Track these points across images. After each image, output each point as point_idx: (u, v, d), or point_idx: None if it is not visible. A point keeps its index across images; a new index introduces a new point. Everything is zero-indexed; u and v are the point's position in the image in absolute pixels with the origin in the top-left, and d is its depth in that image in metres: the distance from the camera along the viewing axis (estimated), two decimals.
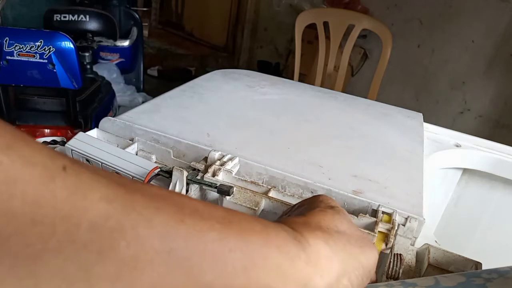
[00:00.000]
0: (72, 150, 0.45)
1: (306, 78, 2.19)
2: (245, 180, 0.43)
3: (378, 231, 0.37)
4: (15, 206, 0.14)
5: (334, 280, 0.24)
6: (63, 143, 0.48)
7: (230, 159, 0.45)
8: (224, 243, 0.19)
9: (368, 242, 0.28)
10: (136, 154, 0.49)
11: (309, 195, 0.44)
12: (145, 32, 2.93)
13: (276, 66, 3.02)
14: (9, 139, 0.15)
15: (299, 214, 0.28)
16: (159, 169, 0.42)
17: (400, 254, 0.35)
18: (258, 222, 0.22)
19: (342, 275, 0.24)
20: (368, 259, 0.27)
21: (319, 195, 0.31)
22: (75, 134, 0.47)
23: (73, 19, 1.52)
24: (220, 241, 0.19)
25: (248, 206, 0.39)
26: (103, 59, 2.14)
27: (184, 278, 0.18)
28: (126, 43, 2.12)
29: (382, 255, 0.36)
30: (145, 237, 0.17)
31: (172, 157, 0.48)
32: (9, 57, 1.17)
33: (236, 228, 0.20)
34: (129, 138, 0.51)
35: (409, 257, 0.39)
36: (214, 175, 0.42)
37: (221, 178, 0.42)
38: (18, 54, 1.17)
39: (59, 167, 0.16)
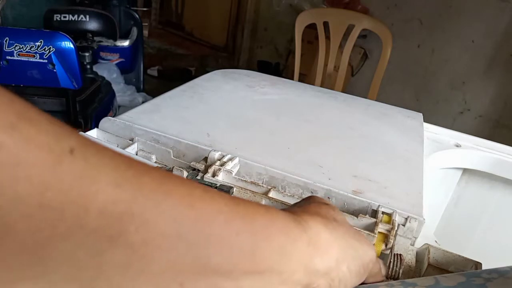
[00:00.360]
0: None
1: (306, 78, 2.19)
2: (245, 180, 0.43)
3: (378, 232, 0.37)
4: (20, 189, 0.13)
5: (333, 263, 0.24)
6: None
7: (230, 159, 0.45)
8: (231, 226, 0.19)
9: (364, 238, 0.29)
10: (136, 154, 0.49)
11: (309, 195, 0.44)
12: (145, 32, 2.93)
13: (276, 66, 3.02)
14: (13, 117, 0.14)
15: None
16: None
17: (400, 254, 0.34)
18: (261, 206, 0.22)
19: (341, 261, 0.24)
20: (365, 252, 0.27)
21: (312, 196, 0.32)
22: None
23: (73, 19, 1.52)
24: (228, 225, 0.19)
25: None
26: (103, 59, 2.14)
27: (193, 263, 0.18)
28: (126, 43, 2.12)
29: (382, 256, 0.36)
30: (154, 222, 0.17)
31: (172, 157, 0.48)
32: (9, 57, 1.17)
33: (242, 210, 0.20)
34: (129, 138, 0.51)
35: (409, 257, 0.39)
36: (214, 175, 0.42)
37: (221, 178, 0.42)
38: (18, 54, 1.18)
39: (65, 150, 0.15)
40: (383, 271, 0.32)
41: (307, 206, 0.28)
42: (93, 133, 0.51)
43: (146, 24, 3.33)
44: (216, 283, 0.19)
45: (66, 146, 0.15)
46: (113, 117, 0.53)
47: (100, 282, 0.16)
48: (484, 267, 0.34)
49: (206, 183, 0.40)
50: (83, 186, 0.15)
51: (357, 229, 0.31)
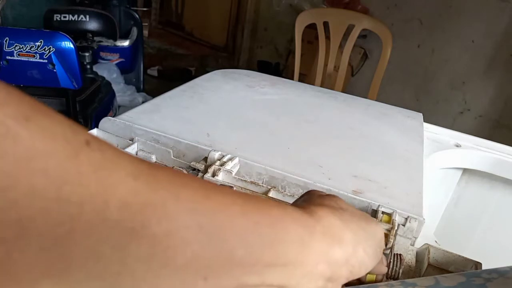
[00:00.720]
0: None
1: (306, 78, 2.19)
2: (245, 180, 0.43)
3: None
4: (38, 183, 0.13)
5: (351, 249, 0.24)
6: None
7: (230, 159, 0.45)
8: (249, 217, 0.19)
9: (371, 218, 0.28)
10: (136, 154, 0.49)
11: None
12: (145, 32, 2.93)
13: (276, 66, 3.02)
14: (27, 110, 0.13)
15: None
16: None
17: (400, 254, 0.34)
18: (270, 200, 0.22)
19: (357, 244, 0.24)
20: (375, 231, 0.27)
21: (310, 190, 0.31)
22: None
23: (73, 19, 1.52)
24: (245, 215, 0.19)
25: None
26: (103, 59, 2.14)
27: (217, 255, 0.17)
28: (126, 43, 2.12)
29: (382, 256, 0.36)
30: (175, 213, 0.16)
31: (172, 157, 0.48)
32: (9, 57, 1.17)
33: (255, 202, 0.20)
34: (129, 138, 0.51)
35: (409, 257, 0.39)
36: (214, 175, 0.42)
37: (221, 178, 0.42)
38: (18, 54, 1.18)
39: (82, 142, 0.15)
40: (385, 262, 0.31)
41: (309, 200, 0.28)
42: (93, 133, 0.51)
43: (146, 24, 3.33)
44: (240, 277, 0.18)
45: (82, 138, 0.15)
46: (113, 117, 0.53)
47: (125, 277, 0.15)
48: (484, 267, 0.34)
49: None
50: (101, 178, 0.15)
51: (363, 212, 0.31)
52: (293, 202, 0.31)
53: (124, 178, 0.15)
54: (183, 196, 0.17)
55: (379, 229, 0.28)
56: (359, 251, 0.24)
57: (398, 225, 0.38)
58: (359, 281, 0.30)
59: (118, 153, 0.16)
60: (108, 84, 1.73)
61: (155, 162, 0.48)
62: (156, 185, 0.16)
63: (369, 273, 0.28)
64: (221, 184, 0.41)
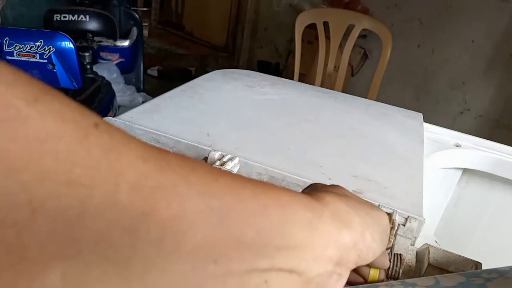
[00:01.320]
0: None
1: (306, 78, 2.19)
2: None
3: None
4: (48, 165, 0.13)
5: (359, 233, 0.23)
6: None
7: (230, 159, 0.45)
8: (259, 199, 0.19)
9: (375, 205, 0.28)
10: None
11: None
12: (145, 32, 2.93)
13: (276, 66, 3.02)
14: (37, 92, 0.13)
15: None
16: None
17: (400, 254, 0.34)
18: (275, 185, 0.22)
19: (364, 229, 0.24)
20: (381, 217, 0.27)
21: (313, 183, 0.31)
22: None
23: (73, 19, 1.52)
24: (255, 198, 0.19)
25: None
26: (103, 59, 2.14)
27: (227, 238, 0.17)
28: (126, 43, 2.12)
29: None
30: (185, 196, 0.16)
31: None
32: (9, 57, 1.17)
33: (264, 186, 0.20)
34: None
35: (409, 257, 0.39)
36: None
37: None
38: (18, 54, 1.18)
39: (91, 124, 0.15)
40: (387, 255, 0.31)
41: (315, 189, 0.27)
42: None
43: (146, 24, 3.33)
44: (251, 260, 0.18)
45: (91, 121, 0.15)
46: (113, 117, 0.53)
47: (135, 260, 0.15)
48: (484, 267, 0.35)
49: None
50: (111, 160, 0.14)
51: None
52: (310, 190, 0.31)
53: (134, 160, 0.15)
54: (193, 179, 0.17)
55: (384, 216, 0.28)
56: (367, 236, 0.24)
57: (398, 225, 0.38)
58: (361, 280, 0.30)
59: (127, 136, 0.16)
60: (108, 84, 1.73)
61: None
62: (167, 168, 0.16)
63: (372, 266, 0.28)
64: None
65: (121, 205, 0.14)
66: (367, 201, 0.28)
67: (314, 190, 0.27)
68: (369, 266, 0.29)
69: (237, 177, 0.19)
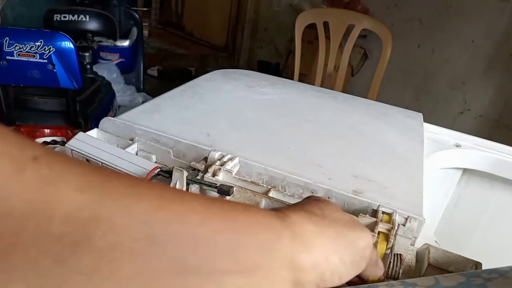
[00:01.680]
0: (72, 150, 0.45)
1: (306, 78, 2.19)
2: (245, 180, 0.43)
3: (379, 231, 0.37)
4: None
5: (322, 257, 0.23)
6: (63, 143, 0.48)
7: (230, 159, 0.45)
8: (208, 225, 0.19)
9: (358, 224, 0.28)
10: (136, 154, 0.49)
11: (309, 195, 0.44)
12: (145, 32, 2.93)
13: (276, 66, 3.02)
14: None
15: None
16: (159, 169, 0.42)
17: (400, 254, 0.34)
18: (239, 204, 0.22)
19: (331, 252, 0.24)
20: (358, 239, 0.26)
21: (310, 196, 0.31)
22: (75, 134, 0.47)
23: (73, 19, 1.52)
24: (203, 223, 0.19)
25: None
26: (103, 59, 2.14)
27: (169, 264, 0.17)
28: (126, 43, 2.12)
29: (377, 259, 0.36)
30: (122, 226, 0.16)
31: (172, 157, 0.48)
32: (9, 57, 1.17)
33: (218, 209, 0.20)
34: (129, 138, 0.51)
35: (409, 257, 0.39)
36: (214, 175, 0.42)
37: (221, 178, 0.42)
38: (18, 54, 1.17)
39: (28, 158, 0.15)
40: (380, 264, 0.31)
41: (302, 204, 0.28)
42: (93, 133, 0.51)
43: (146, 24, 3.33)
44: (195, 286, 0.18)
45: (29, 154, 0.15)
46: (113, 117, 0.53)
47: None
48: (484, 267, 0.34)
49: (207, 182, 0.40)
50: (46, 193, 0.15)
51: (349, 214, 0.30)
52: (292, 204, 0.31)
53: (70, 192, 0.16)
54: (135, 208, 0.17)
55: (365, 239, 0.27)
56: (333, 259, 0.24)
57: (398, 225, 0.38)
58: (360, 280, 0.30)
59: (69, 166, 0.16)
60: (108, 84, 1.73)
61: (155, 162, 0.48)
62: (106, 198, 0.16)
63: (362, 275, 0.28)
64: (220, 184, 0.41)
65: (53, 236, 0.15)
66: (348, 221, 0.27)
67: (301, 204, 0.27)
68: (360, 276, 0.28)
69: (189, 201, 0.19)
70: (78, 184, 0.16)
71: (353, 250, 0.25)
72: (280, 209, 0.25)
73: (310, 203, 0.28)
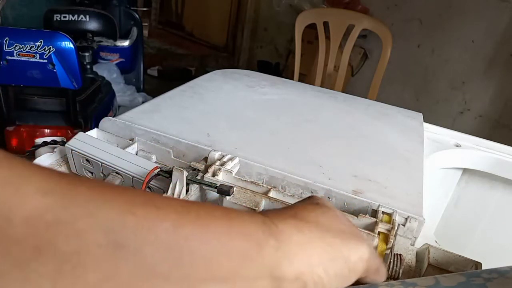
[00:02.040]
0: (72, 150, 0.45)
1: (306, 78, 2.19)
2: (245, 180, 0.43)
3: (378, 231, 0.37)
4: None
5: (306, 267, 0.23)
6: (63, 143, 0.48)
7: (230, 159, 0.45)
8: (179, 232, 0.18)
9: (356, 235, 0.27)
10: (136, 154, 0.49)
11: (309, 195, 0.44)
12: (145, 32, 2.93)
13: (276, 66, 3.02)
14: None
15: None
16: (159, 169, 0.42)
17: (400, 254, 0.34)
18: (219, 210, 0.21)
19: (316, 264, 0.23)
20: (351, 251, 0.25)
21: (311, 196, 0.30)
22: (75, 134, 0.47)
23: (73, 19, 1.52)
24: (175, 230, 0.18)
25: (248, 206, 0.39)
26: (103, 59, 2.14)
27: (136, 271, 0.17)
28: (126, 43, 2.12)
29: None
30: (87, 231, 0.16)
31: (172, 157, 0.48)
32: (9, 57, 1.17)
33: (194, 216, 0.20)
34: (129, 138, 0.51)
35: (409, 257, 0.39)
36: (214, 175, 0.42)
37: (221, 178, 0.42)
38: (18, 54, 1.17)
39: None
40: (382, 271, 0.30)
41: (290, 206, 0.27)
42: (93, 133, 0.51)
43: (146, 24, 3.33)
44: None
45: None
46: (113, 117, 0.53)
47: None
48: (484, 267, 0.34)
49: (207, 183, 0.40)
50: (7, 195, 0.15)
51: (349, 225, 0.29)
52: (288, 207, 0.30)
53: (32, 194, 0.15)
54: (101, 213, 0.17)
55: (358, 250, 0.26)
56: (317, 271, 0.23)
57: (398, 225, 0.38)
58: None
59: (32, 169, 0.16)
60: (108, 84, 1.73)
61: (155, 162, 0.48)
62: (69, 202, 0.16)
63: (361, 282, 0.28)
64: (221, 184, 0.41)
65: (13, 239, 0.15)
66: (346, 230, 0.26)
67: (299, 206, 0.27)
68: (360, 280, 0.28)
69: (164, 207, 0.19)
70: (40, 187, 0.16)
71: (342, 263, 0.24)
72: (271, 214, 0.24)
73: (306, 208, 0.27)
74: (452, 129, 0.73)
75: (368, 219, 0.38)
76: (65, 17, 1.51)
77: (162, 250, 0.18)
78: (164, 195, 0.40)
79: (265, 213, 0.25)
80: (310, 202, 0.29)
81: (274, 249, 0.22)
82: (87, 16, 1.54)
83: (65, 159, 0.48)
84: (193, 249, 0.19)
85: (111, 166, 0.43)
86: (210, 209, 0.21)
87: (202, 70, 3.04)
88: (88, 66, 1.62)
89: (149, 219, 0.18)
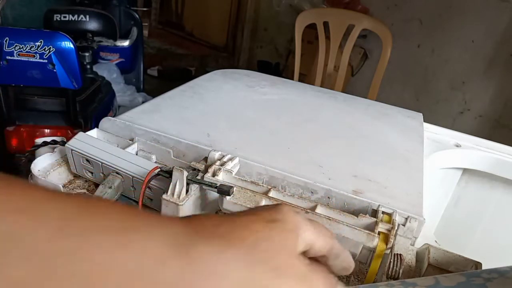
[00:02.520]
0: (72, 150, 0.45)
1: (306, 78, 2.19)
2: (245, 180, 0.43)
3: (379, 231, 0.37)
4: None
5: (216, 281, 0.20)
6: (63, 143, 0.48)
7: (230, 159, 0.45)
8: (55, 243, 0.17)
9: (301, 278, 0.22)
10: (136, 154, 0.49)
11: (309, 195, 0.44)
12: (145, 32, 2.93)
13: (276, 66, 3.02)
14: None
15: (230, 215, 0.24)
16: (159, 169, 0.42)
17: (400, 254, 0.34)
18: (121, 221, 0.20)
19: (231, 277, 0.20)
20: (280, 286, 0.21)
21: (276, 205, 0.25)
22: (75, 134, 0.47)
23: (73, 19, 1.52)
24: (49, 241, 0.17)
25: (248, 206, 0.39)
26: (103, 59, 2.14)
27: (36, 275, 0.16)
28: (126, 43, 2.12)
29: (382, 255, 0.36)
30: None
31: (172, 157, 0.48)
32: (9, 57, 1.17)
33: (77, 227, 0.18)
34: (129, 138, 0.51)
35: (409, 257, 0.39)
36: (214, 175, 0.42)
37: (221, 178, 0.42)
38: (18, 54, 1.17)
39: None
40: None
41: (240, 217, 0.23)
42: (93, 133, 0.51)
43: (146, 24, 3.33)
44: None
45: None
46: (113, 117, 0.53)
47: None
48: (484, 267, 0.35)
49: (207, 183, 0.40)
50: None
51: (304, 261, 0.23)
52: (230, 218, 0.24)
53: None
54: None
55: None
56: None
57: (398, 225, 0.38)
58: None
59: None
60: (108, 84, 1.73)
61: (155, 162, 0.48)
62: None
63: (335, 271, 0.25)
64: (221, 184, 0.41)
65: None
66: (288, 269, 0.22)
67: (243, 216, 0.24)
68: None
69: (44, 215, 0.18)
70: None
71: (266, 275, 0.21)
72: (200, 228, 0.22)
73: (249, 227, 0.23)
74: (452, 129, 0.73)
75: (368, 219, 0.38)
76: (65, 17, 1.51)
77: (32, 263, 0.16)
78: (164, 195, 0.40)
79: (198, 223, 0.22)
80: (265, 216, 0.24)
81: (180, 268, 0.20)
82: (87, 16, 1.54)
83: (65, 159, 0.48)
84: (68, 264, 0.17)
85: (111, 166, 0.43)
86: (120, 219, 0.20)
87: (202, 70, 3.04)
88: (88, 66, 1.62)
89: (25, 227, 0.17)
